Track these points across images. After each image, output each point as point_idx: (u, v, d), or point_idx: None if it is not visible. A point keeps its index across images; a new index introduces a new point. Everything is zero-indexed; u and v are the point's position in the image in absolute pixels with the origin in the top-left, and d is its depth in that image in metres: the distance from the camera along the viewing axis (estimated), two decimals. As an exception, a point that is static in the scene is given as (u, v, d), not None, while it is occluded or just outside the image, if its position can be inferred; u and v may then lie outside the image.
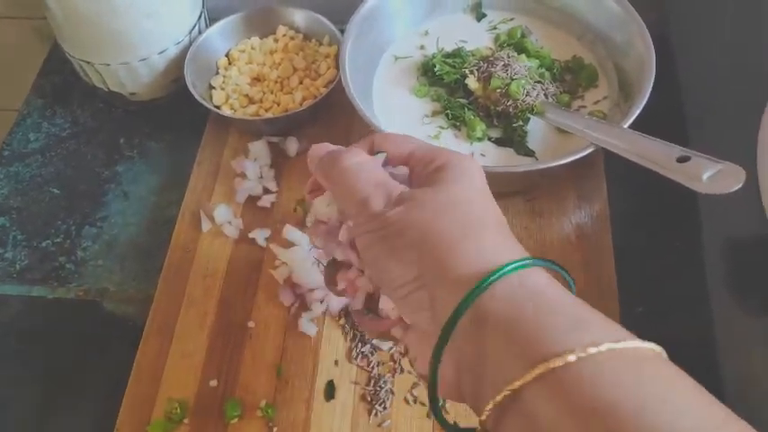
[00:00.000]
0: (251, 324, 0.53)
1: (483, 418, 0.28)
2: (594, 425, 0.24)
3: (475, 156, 0.56)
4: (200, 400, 0.50)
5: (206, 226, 0.58)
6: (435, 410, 0.30)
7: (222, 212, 0.58)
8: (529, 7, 0.64)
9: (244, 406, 0.50)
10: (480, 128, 0.57)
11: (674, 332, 0.52)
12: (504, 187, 0.58)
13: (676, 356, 0.51)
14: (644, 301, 0.53)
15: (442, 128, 0.59)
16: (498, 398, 0.26)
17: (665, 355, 0.28)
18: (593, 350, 0.25)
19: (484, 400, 0.27)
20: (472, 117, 0.58)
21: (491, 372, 0.27)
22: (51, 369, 0.55)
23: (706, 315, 0.51)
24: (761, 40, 0.54)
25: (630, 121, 0.51)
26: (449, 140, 0.58)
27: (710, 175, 0.43)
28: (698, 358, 0.50)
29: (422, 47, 0.64)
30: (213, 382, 0.51)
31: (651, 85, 0.53)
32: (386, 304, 0.34)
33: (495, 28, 0.64)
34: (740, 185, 0.42)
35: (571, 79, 0.60)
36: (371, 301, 0.35)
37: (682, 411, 0.24)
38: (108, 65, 0.63)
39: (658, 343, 0.53)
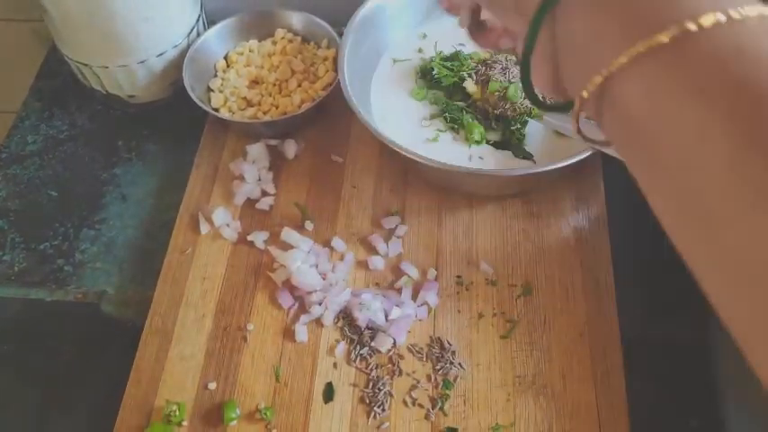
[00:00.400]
0: (250, 326, 0.53)
1: (587, 93, 0.23)
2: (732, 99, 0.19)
3: (473, 159, 0.56)
4: (198, 403, 0.50)
5: (204, 228, 0.58)
6: (527, 86, 0.28)
7: (220, 215, 0.58)
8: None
9: (242, 408, 0.50)
10: (478, 131, 0.57)
11: (672, 333, 0.52)
12: (502, 190, 0.58)
13: (674, 357, 0.51)
14: (642, 302, 0.53)
15: (441, 131, 0.59)
16: (610, 68, 0.22)
17: None
18: (742, 11, 0.20)
19: (588, 76, 0.23)
20: (470, 120, 0.58)
21: (602, 44, 0.23)
22: (50, 371, 0.55)
23: (704, 315, 0.52)
24: None
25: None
26: (447, 143, 0.58)
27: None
28: (696, 358, 0.51)
29: (420, 50, 0.64)
30: (212, 385, 0.51)
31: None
32: (486, 14, 0.37)
33: (492, 31, 0.64)
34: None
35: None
36: (477, 18, 0.38)
37: None
38: (106, 67, 0.63)
39: (655, 342, 0.53)
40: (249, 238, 0.58)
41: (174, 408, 0.50)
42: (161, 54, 0.64)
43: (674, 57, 0.20)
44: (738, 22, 0.20)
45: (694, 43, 0.20)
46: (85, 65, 0.64)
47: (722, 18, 0.20)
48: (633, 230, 0.57)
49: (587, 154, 0.50)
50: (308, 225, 0.58)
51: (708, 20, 0.20)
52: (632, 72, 0.21)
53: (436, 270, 0.55)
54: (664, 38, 0.20)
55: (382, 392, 0.50)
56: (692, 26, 0.20)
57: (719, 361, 0.49)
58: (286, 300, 0.54)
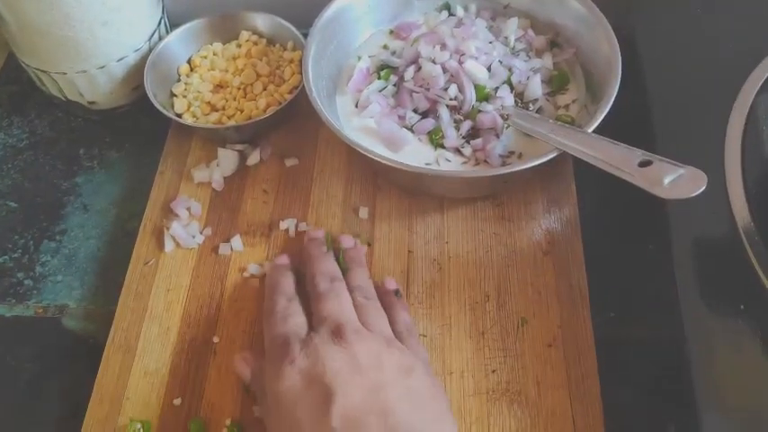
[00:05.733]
0: (215, 339, 0.52)
1: None
2: None
3: (440, 161, 0.55)
4: (163, 420, 0.49)
5: (168, 238, 0.56)
6: None
7: (184, 223, 0.57)
8: (496, 10, 0.63)
9: (209, 425, 0.48)
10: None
11: (645, 336, 0.52)
12: (471, 192, 0.57)
13: (648, 360, 0.51)
14: (615, 305, 0.53)
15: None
16: None
17: None
18: None
19: None
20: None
21: None
22: (9, 389, 0.53)
23: (676, 318, 0.51)
24: (728, 42, 0.54)
25: (596, 124, 0.50)
26: (413, 145, 0.57)
27: (672, 180, 0.42)
28: (669, 361, 0.50)
29: (385, 46, 0.63)
30: (177, 401, 0.49)
31: (617, 87, 0.52)
32: None
33: (462, 29, 0.63)
34: (701, 190, 0.41)
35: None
36: None
37: None
38: (64, 74, 0.61)
39: (629, 346, 0.53)
40: (215, 246, 0.56)
41: (139, 426, 0.48)
42: (121, 59, 0.62)
43: None
44: None
45: None
46: (43, 71, 0.62)
47: None
48: (606, 232, 0.56)
49: (552, 156, 0.49)
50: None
51: None
52: None
53: (407, 275, 0.54)
54: None
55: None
56: None
57: (692, 362, 0.48)
58: (253, 311, 0.53)
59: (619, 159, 0.45)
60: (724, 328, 0.45)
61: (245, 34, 0.66)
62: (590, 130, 0.50)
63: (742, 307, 0.44)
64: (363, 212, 0.58)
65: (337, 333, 0.42)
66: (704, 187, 0.41)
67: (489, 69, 0.57)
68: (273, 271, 0.51)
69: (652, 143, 0.55)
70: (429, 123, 0.56)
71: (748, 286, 0.44)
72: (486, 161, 0.55)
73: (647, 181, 0.43)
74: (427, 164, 0.55)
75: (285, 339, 0.43)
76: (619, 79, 0.52)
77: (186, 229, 0.57)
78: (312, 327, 0.44)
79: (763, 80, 0.52)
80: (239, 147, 0.61)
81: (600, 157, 0.47)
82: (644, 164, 0.44)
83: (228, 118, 0.61)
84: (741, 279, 0.45)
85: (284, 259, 0.53)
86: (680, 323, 0.50)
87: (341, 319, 0.43)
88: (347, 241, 0.54)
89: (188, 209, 0.58)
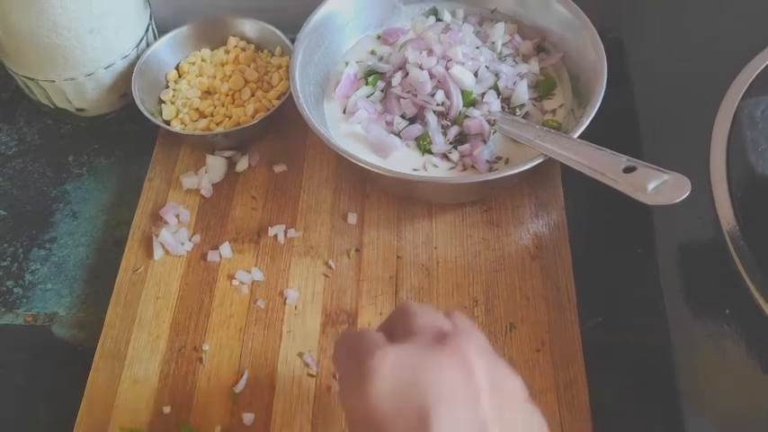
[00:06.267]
0: (205, 347, 0.52)
1: None
2: None
3: (427, 166, 0.55)
4: (153, 428, 0.49)
5: (157, 246, 0.57)
6: None
7: (173, 231, 0.57)
8: (483, 15, 0.63)
9: (198, 432, 0.49)
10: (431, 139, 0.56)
11: (631, 340, 0.52)
12: (460, 197, 0.57)
13: (635, 363, 0.51)
14: (602, 309, 0.53)
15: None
16: None
17: None
18: None
19: None
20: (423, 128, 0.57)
21: None
22: None
23: (662, 322, 0.51)
24: (713, 47, 0.54)
25: (582, 129, 0.51)
26: (401, 151, 0.57)
27: (655, 186, 0.42)
28: (655, 364, 0.50)
29: (373, 52, 0.63)
30: (167, 409, 0.50)
31: (602, 92, 0.52)
32: None
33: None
34: (685, 196, 0.42)
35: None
36: None
37: None
38: (52, 81, 0.61)
39: (616, 350, 0.53)
40: (204, 253, 0.56)
41: (128, 434, 0.48)
42: (109, 66, 0.62)
43: None
44: None
45: None
46: (31, 79, 0.62)
47: None
48: (593, 237, 0.56)
49: (538, 162, 0.50)
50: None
51: None
52: None
53: (395, 280, 0.54)
54: None
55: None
56: None
57: (677, 364, 0.49)
58: (242, 318, 0.53)
59: (603, 165, 0.46)
60: (709, 332, 0.45)
61: (232, 40, 0.66)
62: (576, 135, 0.50)
63: (727, 311, 0.44)
64: (352, 218, 0.58)
65: (439, 337, 0.32)
66: (688, 193, 0.42)
67: (476, 75, 0.57)
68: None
69: (638, 147, 0.56)
70: (416, 129, 0.57)
71: (733, 290, 0.44)
72: (473, 166, 0.55)
73: (631, 187, 0.43)
74: (415, 169, 0.55)
75: (357, 351, 0.33)
76: (605, 84, 0.53)
77: (175, 237, 0.57)
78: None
79: (747, 84, 0.52)
80: (228, 153, 0.61)
81: (585, 162, 0.47)
82: (628, 170, 0.44)
83: (217, 124, 0.61)
84: (726, 283, 0.45)
85: None
86: (665, 327, 0.50)
87: (440, 325, 0.33)
88: None
89: (177, 216, 0.58)
